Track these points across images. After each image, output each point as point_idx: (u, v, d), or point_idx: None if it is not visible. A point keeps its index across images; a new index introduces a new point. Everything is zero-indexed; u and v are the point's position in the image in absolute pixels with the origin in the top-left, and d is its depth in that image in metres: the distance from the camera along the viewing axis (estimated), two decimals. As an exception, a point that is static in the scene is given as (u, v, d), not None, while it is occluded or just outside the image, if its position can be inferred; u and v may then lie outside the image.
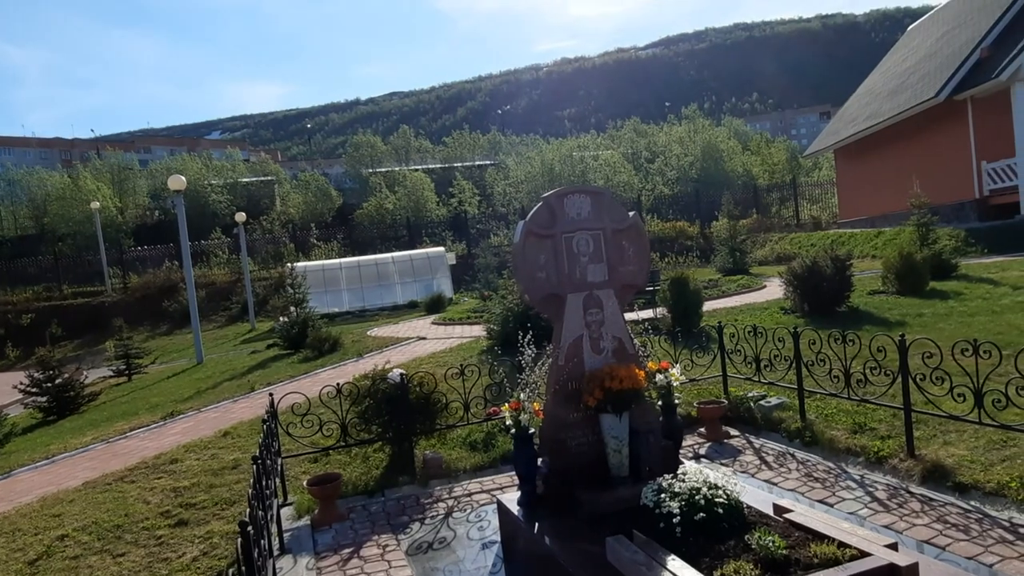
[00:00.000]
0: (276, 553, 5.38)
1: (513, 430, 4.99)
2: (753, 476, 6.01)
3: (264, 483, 5.08)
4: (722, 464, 6.42)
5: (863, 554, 3.41)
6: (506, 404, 4.99)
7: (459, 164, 56.62)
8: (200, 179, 50.00)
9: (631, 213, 5.36)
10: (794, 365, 6.88)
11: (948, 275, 14.27)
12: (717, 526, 3.77)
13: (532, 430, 5.05)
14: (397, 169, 53.62)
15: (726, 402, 7.47)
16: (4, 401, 16.33)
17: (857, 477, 5.70)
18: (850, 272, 12.41)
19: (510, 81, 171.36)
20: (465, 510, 5.95)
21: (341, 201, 51.37)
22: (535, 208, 5.13)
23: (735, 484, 4.07)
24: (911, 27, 29.05)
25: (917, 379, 5.61)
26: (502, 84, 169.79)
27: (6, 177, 57.42)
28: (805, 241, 26.56)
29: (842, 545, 3.50)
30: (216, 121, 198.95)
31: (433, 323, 20.12)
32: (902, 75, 24.59)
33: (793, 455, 6.44)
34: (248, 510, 3.39)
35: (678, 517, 3.79)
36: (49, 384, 14.91)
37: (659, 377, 5.37)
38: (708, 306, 15.25)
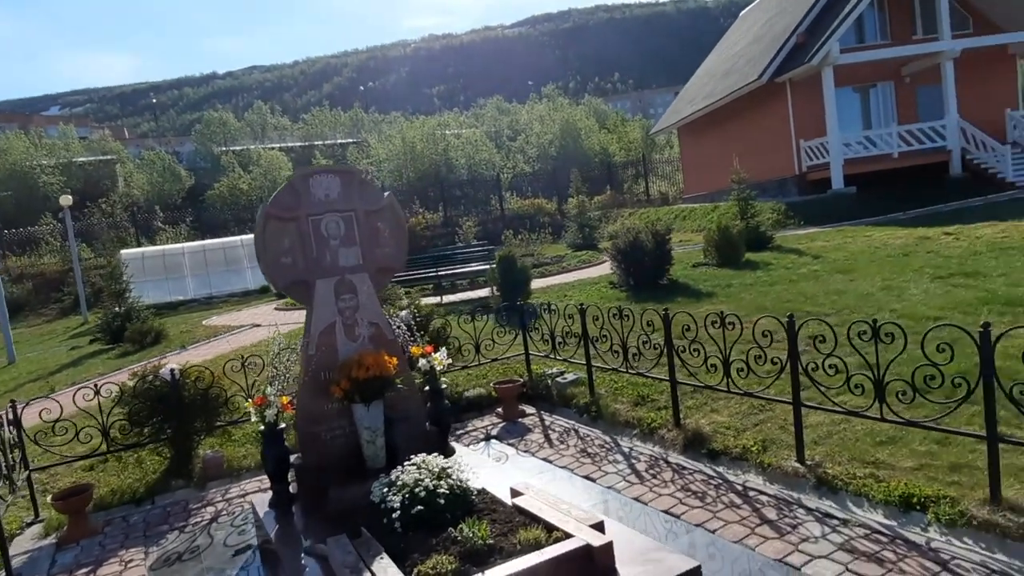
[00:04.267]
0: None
1: (261, 427, 4.68)
2: (534, 455, 6.03)
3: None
4: (509, 444, 6.42)
5: (567, 536, 3.40)
6: (248, 400, 4.66)
7: (320, 142, 54.57)
8: (27, 159, 45.15)
9: (386, 194, 5.14)
10: (582, 342, 6.97)
11: (764, 246, 15.22)
12: (439, 518, 3.66)
13: (282, 425, 4.76)
14: (252, 147, 50.92)
15: (521, 380, 7.48)
16: None
17: (627, 450, 5.84)
18: (669, 247, 12.91)
19: (377, 57, 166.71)
20: (234, 513, 5.58)
21: (192, 182, 48.18)
22: (279, 189, 4.80)
23: (464, 471, 3.97)
24: (743, 12, 30.69)
25: (679, 351, 5.78)
26: (369, 60, 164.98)
27: None
28: (653, 216, 27.61)
29: (551, 528, 3.48)
30: (56, 95, 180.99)
31: (276, 308, 19.26)
32: (733, 58, 25.94)
33: (577, 431, 6.53)
34: None
35: (398, 512, 3.64)
36: None
37: (422, 362, 5.23)
38: (544, 282, 15.50)
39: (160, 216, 38.53)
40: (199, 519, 5.55)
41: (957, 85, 20.15)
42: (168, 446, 6.49)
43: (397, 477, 3.84)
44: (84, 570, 4.85)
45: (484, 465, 5.03)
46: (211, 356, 11.33)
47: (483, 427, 7.01)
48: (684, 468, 5.27)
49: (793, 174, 22.05)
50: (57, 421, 5.82)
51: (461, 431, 6.95)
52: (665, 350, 5.87)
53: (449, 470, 3.89)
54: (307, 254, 4.79)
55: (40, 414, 5.86)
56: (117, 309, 16.02)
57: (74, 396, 6.00)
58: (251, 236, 26.98)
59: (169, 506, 5.91)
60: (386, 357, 4.64)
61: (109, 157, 52.02)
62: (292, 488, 4.86)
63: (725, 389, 5.43)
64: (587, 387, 7.09)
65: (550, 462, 5.81)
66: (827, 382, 4.73)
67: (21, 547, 5.38)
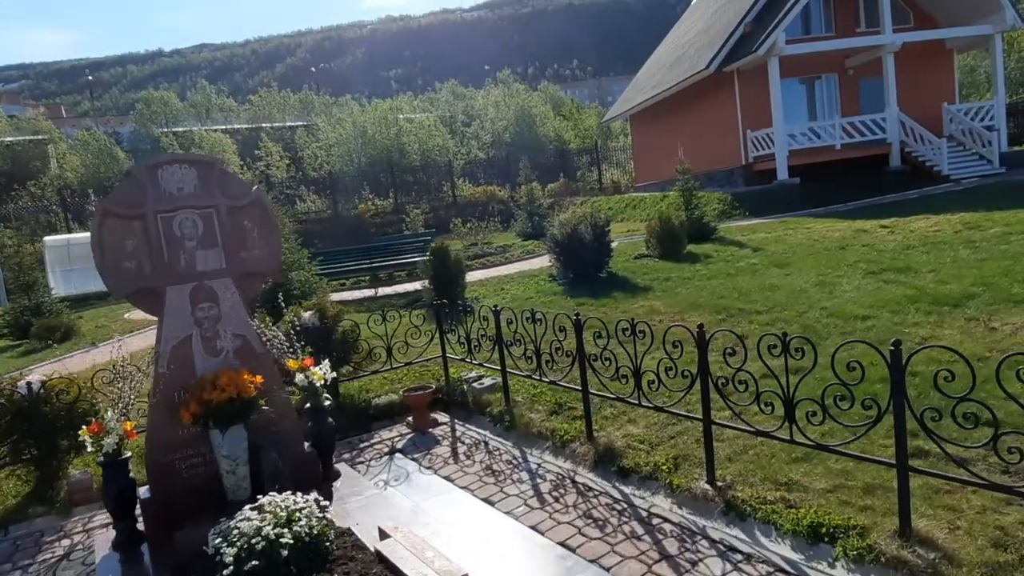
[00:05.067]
0: None
1: (100, 458, 4.09)
2: (436, 472, 5.54)
3: None
4: (413, 458, 5.92)
5: (421, 594, 2.92)
6: (83, 427, 4.06)
7: (267, 125, 52.84)
8: (-58, 139, 42.72)
9: (254, 187, 4.56)
10: (496, 346, 6.50)
11: (707, 238, 14.95)
12: (277, 574, 3.14)
13: (127, 454, 4.17)
14: (195, 129, 49.03)
15: (433, 387, 6.98)
16: None
17: (535, 466, 5.40)
18: (609, 239, 12.52)
19: (332, 38, 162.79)
20: (90, 548, 4.96)
21: (131, 164, 46.11)
22: (120, 182, 4.17)
23: (329, 510, 3.45)
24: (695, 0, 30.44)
25: (591, 359, 5.35)
26: (324, 41, 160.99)
27: None
28: (604, 204, 27.32)
29: (406, 583, 3.00)
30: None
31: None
32: (683, 46, 25.66)
33: (487, 443, 6.07)
34: None
35: (231, 568, 3.11)
36: None
37: (299, 377, 4.68)
38: (485, 274, 15.00)
39: (93, 200, 36.77)
40: (49, 555, 4.91)
41: (897, 78, 20.18)
42: (31, 467, 5.82)
43: (236, 525, 3.30)
44: None
45: (367, 492, 4.53)
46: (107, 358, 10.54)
47: (390, 439, 6.49)
48: (591, 489, 4.84)
49: (740, 164, 21.90)
50: None
51: (366, 443, 6.42)
52: (577, 357, 5.43)
53: (303, 512, 3.36)
54: (155, 257, 4.18)
55: None
56: (26, 302, 14.99)
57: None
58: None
59: (21, 538, 5.25)
60: (246, 375, 4.08)
61: (40, 137, 49.55)
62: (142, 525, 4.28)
63: (636, 402, 5.01)
64: (503, 394, 6.63)
65: (451, 481, 5.32)
66: (738, 397, 4.34)
67: None
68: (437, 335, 7.43)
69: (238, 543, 3.17)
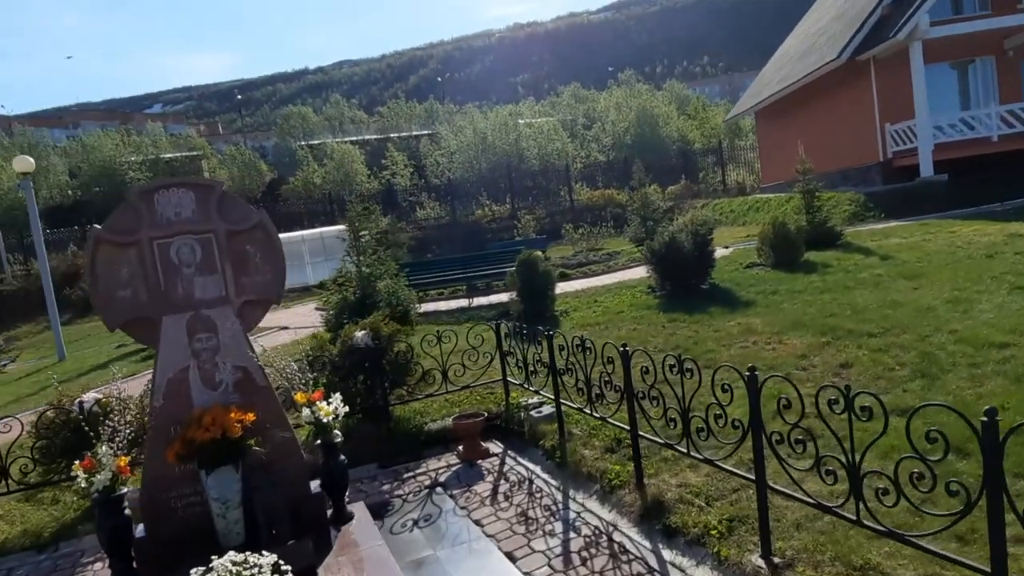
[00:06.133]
0: None
1: (95, 495, 3.94)
2: (470, 514, 5.06)
3: None
4: (451, 495, 5.47)
5: None
6: (77, 462, 3.93)
7: (395, 135, 54.82)
8: (117, 156, 47.47)
9: (257, 210, 4.28)
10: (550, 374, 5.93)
11: (831, 244, 13.52)
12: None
13: (123, 490, 4.00)
14: (328, 141, 51.63)
15: (485, 414, 6.50)
16: None
17: (572, 516, 4.78)
18: (711, 248, 11.53)
19: (462, 48, 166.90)
20: (118, 571, 4.90)
21: (273, 176, 49.29)
22: (117, 210, 4.02)
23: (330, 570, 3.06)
24: (829, -17, 28.10)
25: (639, 396, 4.66)
26: (454, 51, 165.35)
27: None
28: (726, 207, 25.87)
29: None
30: (158, 94, 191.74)
31: (316, 308, 18.96)
32: (813, 36, 23.69)
33: (532, 482, 5.52)
34: None
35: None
36: None
37: (305, 412, 4.35)
38: (583, 284, 14.38)
39: (238, 211, 39.35)
40: (87, 573, 4.90)
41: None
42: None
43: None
44: (-79, 643, 4.29)
45: (366, 544, 4.12)
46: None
47: (436, 469, 6.09)
48: (626, 552, 4.18)
49: (877, 160, 19.82)
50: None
51: (411, 474, 6.06)
52: (625, 394, 4.77)
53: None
54: (151, 286, 3.99)
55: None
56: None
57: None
58: (310, 231, 26.92)
59: (63, 557, 5.32)
60: (233, 414, 3.79)
61: (195, 153, 54.10)
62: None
63: (684, 451, 4.29)
64: (557, 426, 6.05)
65: (481, 526, 4.82)
66: (798, 459, 3.54)
67: None
68: (494, 357, 6.96)
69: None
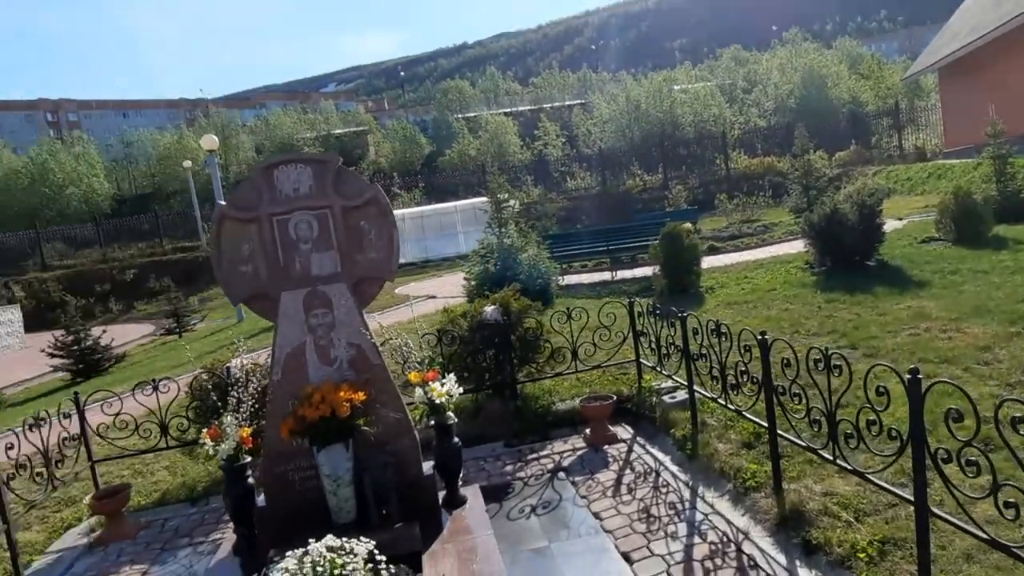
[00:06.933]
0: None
1: (222, 463, 4.10)
2: (590, 504, 4.80)
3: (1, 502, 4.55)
4: (572, 482, 5.23)
5: None
6: (204, 430, 4.10)
7: (548, 105, 54.64)
8: (294, 132, 51.23)
9: (371, 185, 4.19)
10: (683, 358, 5.48)
11: (1025, 217, 11.67)
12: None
13: (246, 460, 4.14)
14: (483, 114, 52.47)
15: (613, 397, 6.16)
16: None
17: (699, 517, 4.38)
18: (880, 220, 10.29)
19: (618, 14, 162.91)
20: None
21: (431, 148, 50.97)
22: (239, 185, 4.09)
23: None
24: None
25: (779, 392, 4.14)
26: (610, 17, 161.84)
27: (125, 139, 60.80)
28: (902, 175, 23.36)
29: None
30: (333, 73, 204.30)
31: (464, 278, 19.31)
32: (1019, -27, 20.40)
33: (659, 474, 5.15)
34: None
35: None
36: (76, 347, 15.42)
37: (418, 393, 4.27)
38: (730, 259, 13.50)
39: (397, 182, 41.23)
40: (219, 535, 5.21)
41: None
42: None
43: (278, 571, 2.94)
44: (82, 584, 4.73)
45: (476, 533, 3.98)
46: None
47: (561, 452, 5.88)
48: (757, 566, 3.73)
49: (1098, 119, 16.83)
50: (118, 415, 5.86)
51: (535, 456, 5.89)
52: (762, 387, 4.27)
53: (347, 569, 2.89)
54: (270, 261, 4.05)
55: (102, 408, 5.94)
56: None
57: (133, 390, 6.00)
58: (463, 202, 27.49)
59: (210, 512, 5.70)
60: (342, 393, 3.76)
61: (362, 128, 57.09)
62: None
63: (830, 458, 3.74)
64: (690, 415, 5.61)
65: (599, 519, 4.55)
66: (970, 484, 2.93)
67: (63, 544, 5.48)
68: (627, 336, 6.58)
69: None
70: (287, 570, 2.89)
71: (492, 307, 6.64)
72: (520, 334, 6.59)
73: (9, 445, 5.18)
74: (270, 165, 4.07)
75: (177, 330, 20.13)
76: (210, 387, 6.18)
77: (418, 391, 4.26)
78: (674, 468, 5.19)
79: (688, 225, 16.50)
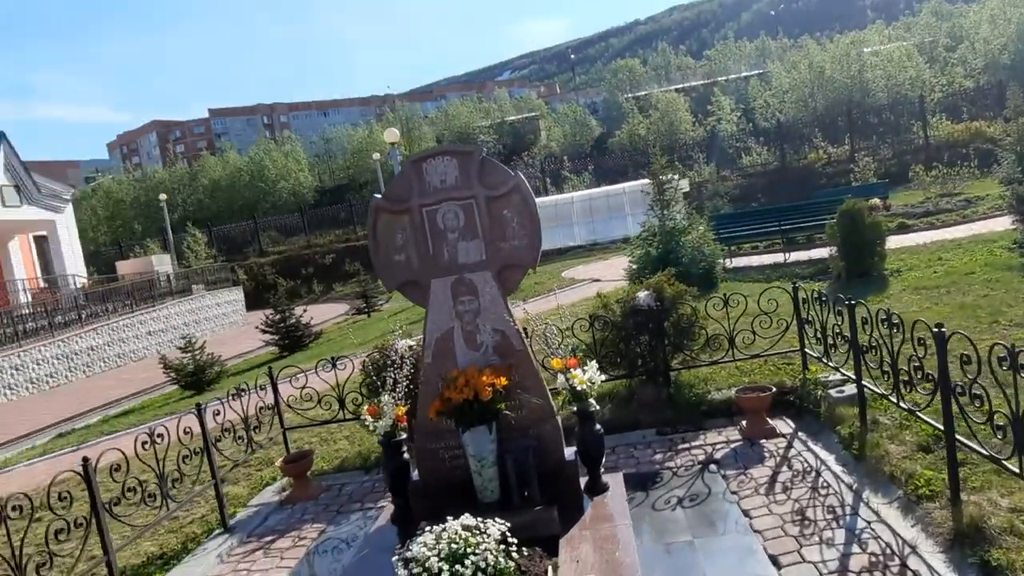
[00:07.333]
0: (217, 531, 5.57)
1: (380, 438, 4.43)
2: (739, 502, 4.60)
3: (210, 459, 5.27)
4: (724, 475, 5.04)
5: None
6: (365, 406, 4.43)
7: (722, 78, 52.16)
8: (471, 121, 53.29)
9: (513, 174, 4.27)
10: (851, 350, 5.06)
11: None
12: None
13: (403, 436, 4.43)
14: (653, 91, 51.22)
15: (772, 389, 5.82)
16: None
17: (861, 525, 4.04)
18: (1117, 192, 8.79)
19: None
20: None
21: (601, 130, 50.71)
22: (393, 180, 4.35)
23: (502, 556, 3.05)
24: None
25: (958, 392, 3.71)
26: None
27: (324, 136, 66.50)
28: None
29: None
30: (507, 61, 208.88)
31: (630, 261, 19.08)
32: None
33: (819, 474, 4.81)
34: None
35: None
36: (282, 325, 17.28)
37: (560, 379, 4.32)
38: (923, 237, 12.26)
39: (567, 165, 41.52)
40: (386, 503, 5.61)
41: None
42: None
43: (417, 544, 3.12)
44: (269, 538, 5.32)
45: (615, 521, 3.97)
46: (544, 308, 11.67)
47: (714, 444, 5.68)
48: (923, 583, 3.40)
49: None
50: (303, 388, 6.52)
51: (685, 446, 5.75)
52: (939, 386, 3.85)
53: (480, 549, 3.01)
54: (421, 251, 4.27)
55: (290, 382, 6.61)
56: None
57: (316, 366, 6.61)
58: (631, 183, 27.25)
59: (380, 481, 6.14)
60: (485, 377, 3.90)
61: (533, 114, 57.99)
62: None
63: (1017, 471, 3.30)
64: (858, 411, 5.18)
65: (749, 517, 4.35)
66: None
67: (261, 499, 6.20)
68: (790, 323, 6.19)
69: (409, 569, 3.04)
70: (425, 544, 3.08)
71: (645, 292, 6.53)
72: (674, 320, 6.43)
73: (216, 412, 5.96)
74: (419, 159, 4.30)
75: (366, 310, 21.84)
76: (380, 365, 6.67)
77: (560, 378, 4.32)
78: (837, 468, 4.83)
79: (876, 200, 15.17)
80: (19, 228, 25.87)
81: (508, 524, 3.24)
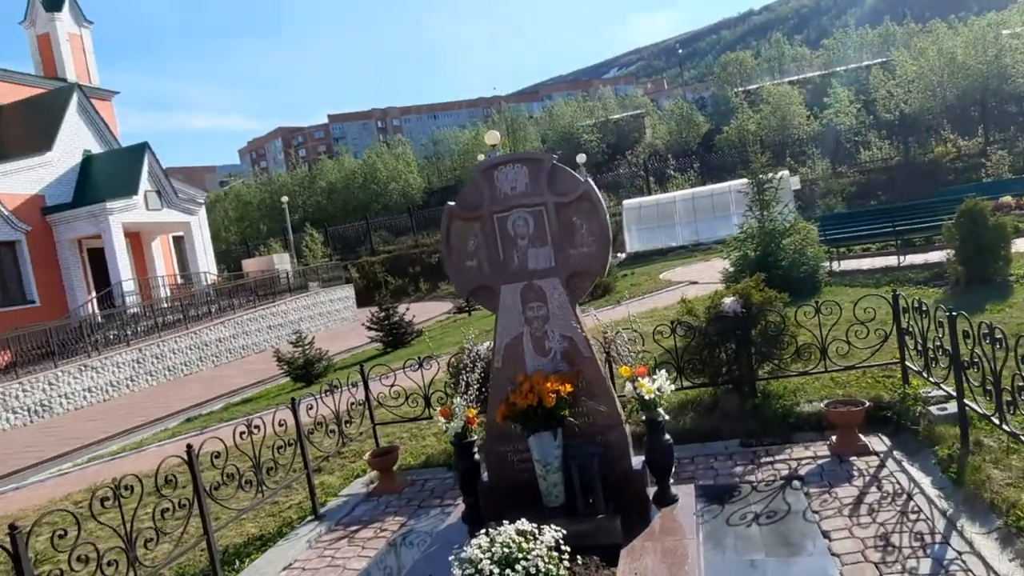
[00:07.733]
0: (309, 518, 5.91)
1: (452, 439, 4.56)
2: (819, 522, 4.39)
3: (302, 450, 5.62)
4: (806, 493, 4.82)
5: None
6: (439, 408, 4.57)
7: (840, 68, 49.35)
8: (574, 122, 53.22)
9: (583, 180, 4.27)
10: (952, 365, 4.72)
11: None
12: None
13: (473, 438, 4.54)
14: (765, 84, 49.20)
15: (865, 404, 5.49)
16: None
17: (952, 555, 3.76)
18: None
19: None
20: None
21: (709, 126, 49.32)
22: (465, 187, 4.47)
23: (555, 563, 3.09)
24: None
25: (1063, 417, 3.39)
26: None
27: (433, 138, 68.40)
28: None
29: None
30: (614, 59, 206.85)
31: (728, 263, 18.47)
32: None
33: (911, 496, 4.51)
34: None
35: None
36: (386, 322, 18.00)
37: (628, 387, 4.29)
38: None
39: (672, 163, 40.69)
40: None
41: None
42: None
43: (472, 545, 3.21)
44: (355, 527, 5.59)
45: (679, 537, 3.89)
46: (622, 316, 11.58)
47: (800, 459, 5.44)
48: (1013, 621, 3.14)
49: None
50: (391, 386, 6.80)
51: (769, 459, 5.53)
52: (1042, 409, 3.54)
53: (531, 555, 3.06)
54: (492, 256, 4.36)
55: (380, 380, 6.90)
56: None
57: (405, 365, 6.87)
58: (738, 181, 26.54)
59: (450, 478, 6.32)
60: (550, 384, 3.94)
61: (638, 112, 57.14)
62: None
63: None
64: (959, 431, 4.82)
65: (828, 539, 4.14)
66: None
67: (351, 490, 6.51)
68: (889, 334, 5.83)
69: (463, 570, 3.13)
70: (480, 546, 3.16)
71: (731, 299, 6.34)
72: (761, 327, 6.21)
73: (309, 406, 6.33)
74: (490, 166, 4.39)
75: (467, 308, 22.37)
76: (459, 368, 6.85)
77: (628, 386, 4.29)
78: (932, 492, 4.52)
79: (1008, 199, 13.98)
80: (160, 229, 28.29)
81: (565, 531, 3.29)
